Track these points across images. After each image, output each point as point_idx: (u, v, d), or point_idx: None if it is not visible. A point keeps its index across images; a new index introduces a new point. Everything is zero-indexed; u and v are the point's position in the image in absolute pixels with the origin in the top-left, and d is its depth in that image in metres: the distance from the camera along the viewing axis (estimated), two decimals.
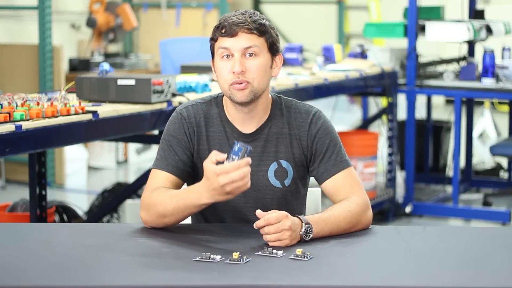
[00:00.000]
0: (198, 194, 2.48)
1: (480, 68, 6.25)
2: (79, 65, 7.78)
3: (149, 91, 4.05)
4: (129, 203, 5.31)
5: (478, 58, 6.83)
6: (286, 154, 2.71)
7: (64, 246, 2.45)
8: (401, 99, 6.46)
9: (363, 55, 6.35)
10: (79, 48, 8.54)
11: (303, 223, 2.47)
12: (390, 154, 6.28)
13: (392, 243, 2.53)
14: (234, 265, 2.27)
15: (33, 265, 2.27)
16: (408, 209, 6.25)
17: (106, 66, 4.22)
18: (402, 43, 6.52)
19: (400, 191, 6.32)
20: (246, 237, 2.51)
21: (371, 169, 6.07)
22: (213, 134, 2.72)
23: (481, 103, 9.87)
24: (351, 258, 2.38)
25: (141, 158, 8.13)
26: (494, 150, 6.43)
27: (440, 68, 6.75)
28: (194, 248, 2.41)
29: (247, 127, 2.72)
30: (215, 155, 2.41)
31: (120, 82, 4.08)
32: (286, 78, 5.36)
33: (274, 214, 2.44)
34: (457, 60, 6.86)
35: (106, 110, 3.93)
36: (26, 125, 3.54)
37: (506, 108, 8.79)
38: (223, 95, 2.75)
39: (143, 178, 4.90)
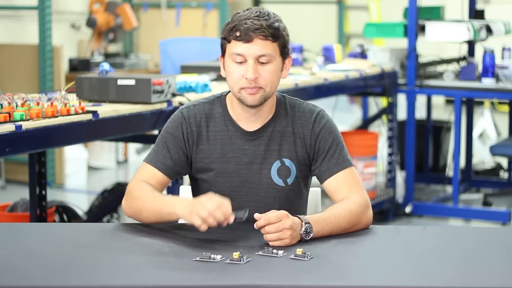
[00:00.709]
0: (174, 203, 2.52)
1: (480, 68, 6.25)
2: (79, 65, 7.78)
3: (149, 91, 4.05)
4: None
5: (478, 58, 6.83)
6: (289, 153, 2.72)
7: (64, 246, 2.45)
8: (401, 99, 6.46)
9: (363, 55, 6.35)
10: (79, 48, 8.54)
11: (303, 223, 2.48)
12: (390, 154, 6.28)
13: (392, 243, 2.53)
14: (234, 265, 2.27)
15: (33, 265, 2.27)
16: (408, 209, 6.25)
17: (106, 66, 4.22)
18: (402, 43, 6.52)
19: (400, 191, 6.32)
20: (246, 237, 2.51)
21: (371, 169, 6.07)
22: (214, 134, 2.73)
23: (481, 103, 9.87)
24: (351, 258, 2.38)
25: (141, 158, 8.12)
26: (494, 150, 6.43)
27: (440, 68, 6.75)
28: (194, 248, 2.41)
29: (252, 125, 2.72)
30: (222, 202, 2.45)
31: (120, 82, 4.08)
32: (286, 78, 5.35)
33: (274, 213, 2.44)
34: (457, 60, 6.86)
35: (106, 110, 3.93)
36: (26, 125, 3.54)
37: (506, 108, 8.79)
38: (226, 94, 2.75)
39: None
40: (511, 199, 6.70)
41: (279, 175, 2.71)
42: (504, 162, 7.27)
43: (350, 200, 2.63)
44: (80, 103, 3.86)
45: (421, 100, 6.71)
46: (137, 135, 4.60)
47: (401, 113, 6.51)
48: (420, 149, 6.83)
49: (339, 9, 10.30)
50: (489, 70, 6.01)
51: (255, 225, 2.44)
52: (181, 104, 4.08)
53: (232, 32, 2.62)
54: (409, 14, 6.19)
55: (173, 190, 4.33)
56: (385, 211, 6.21)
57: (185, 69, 5.09)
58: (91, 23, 8.01)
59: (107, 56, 8.23)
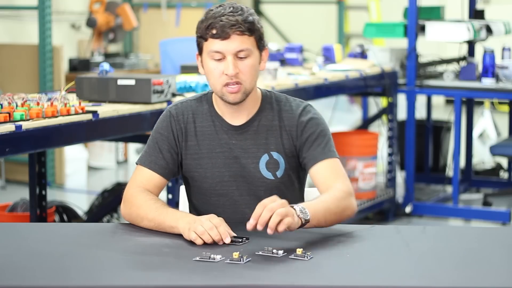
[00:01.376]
0: (177, 218, 2.54)
1: (480, 68, 6.25)
2: (79, 65, 7.78)
3: (149, 91, 4.05)
4: None
5: (478, 58, 6.83)
6: (276, 146, 2.73)
7: (64, 246, 2.45)
8: (401, 99, 6.46)
9: (363, 55, 6.35)
10: (79, 48, 8.54)
11: (294, 207, 2.45)
12: (390, 154, 6.28)
13: (392, 243, 2.53)
14: (234, 265, 2.27)
15: (33, 265, 2.27)
16: (408, 209, 6.25)
17: (106, 66, 4.22)
18: (402, 43, 6.52)
19: (400, 191, 6.32)
20: (246, 236, 2.50)
21: (371, 169, 6.07)
22: (202, 129, 2.75)
23: (481, 103, 9.87)
24: (351, 258, 2.38)
25: None
26: (494, 150, 6.43)
27: (440, 68, 6.75)
28: (194, 248, 2.41)
29: (237, 119, 2.74)
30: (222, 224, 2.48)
31: (120, 82, 4.08)
32: (286, 78, 5.36)
33: (258, 205, 2.41)
34: (457, 60, 6.86)
35: (106, 110, 3.94)
36: (26, 125, 3.54)
37: (506, 108, 8.79)
38: (213, 91, 2.77)
39: None
40: (511, 199, 6.70)
41: (268, 169, 2.72)
42: (504, 162, 7.27)
43: (334, 188, 2.63)
44: (80, 103, 3.86)
45: (421, 100, 6.71)
46: (137, 135, 4.60)
47: (401, 113, 6.51)
48: (420, 149, 6.83)
49: (339, 9, 10.30)
50: (489, 70, 6.01)
51: (247, 228, 2.42)
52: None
53: (208, 30, 2.63)
54: (409, 14, 6.19)
55: (173, 190, 4.33)
56: (385, 211, 6.21)
57: (185, 69, 5.09)
58: (91, 23, 8.01)
59: (107, 56, 8.23)
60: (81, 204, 5.89)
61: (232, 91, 2.65)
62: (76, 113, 3.78)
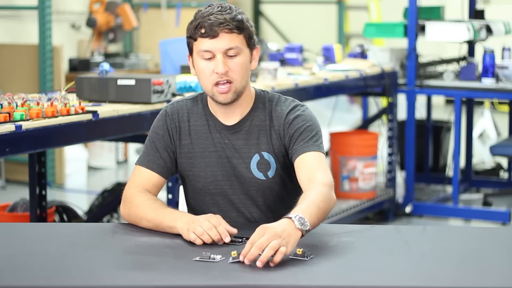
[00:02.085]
0: (175, 218, 2.54)
1: (480, 68, 6.25)
2: (79, 65, 7.78)
3: (149, 91, 4.05)
4: None
5: (478, 58, 6.83)
6: (267, 146, 2.73)
7: (64, 246, 2.45)
8: (401, 99, 6.46)
9: (363, 55, 6.35)
10: (79, 48, 8.54)
11: (292, 218, 2.37)
12: (390, 154, 6.28)
13: (392, 243, 2.53)
14: (234, 265, 2.27)
15: (33, 265, 2.27)
16: (408, 209, 6.25)
17: (106, 66, 4.22)
18: (402, 43, 6.52)
19: (400, 191, 6.32)
20: (246, 236, 2.50)
21: (371, 169, 6.07)
22: (195, 128, 2.76)
23: (481, 103, 9.87)
24: (351, 258, 2.37)
25: None
26: (494, 150, 6.43)
27: (440, 68, 6.75)
28: (194, 248, 2.41)
29: (230, 119, 2.75)
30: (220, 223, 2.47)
31: (120, 82, 4.08)
32: (286, 78, 5.36)
33: (250, 239, 2.31)
34: (457, 60, 6.86)
35: (106, 110, 3.94)
36: (26, 125, 3.54)
37: (506, 108, 8.79)
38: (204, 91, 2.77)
39: None
40: (511, 199, 6.70)
41: (259, 169, 2.72)
42: (504, 162, 7.27)
43: (315, 183, 2.58)
44: (80, 103, 3.86)
45: (421, 100, 6.71)
46: (137, 135, 4.60)
47: (401, 113, 6.51)
48: (420, 149, 6.83)
49: (339, 9, 10.30)
50: (489, 70, 6.01)
51: (245, 261, 2.28)
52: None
53: (197, 29, 2.65)
54: (409, 14, 6.19)
55: (173, 190, 4.33)
56: (385, 211, 6.21)
57: (185, 69, 5.09)
58: (91, 23, 8.01)
59: (107, 56, 8.23)
60: (81, 204, 5.89)
61: (222, 91, 2.65)
62: (76, 113, 3.78)
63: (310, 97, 5.35)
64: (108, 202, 5.26)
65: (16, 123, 3.52)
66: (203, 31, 2.63)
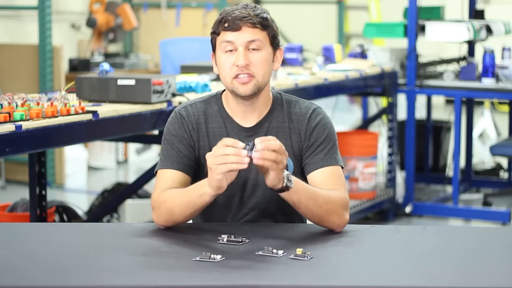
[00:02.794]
0: (202, 182, 2.52)
1: (480, 68, 6.25)
2: (79, 65, 7.78)
3: (149, 91, 4.05)
4: (129, 203, 5.31)
5: (478, 58, 6.83)
6: (286, 148, 2.71)
7: (64, 246, 2.45)
8: (401, 99, 6.46)
9: (363, 55, 6.35)
10: (79, 48, 8.54)
11: (285, 170, 2.47)
12: (390, 154, 6.28)
13: (392, 243, 2.53)
14: (234, 265, 2.27)
15: (33, 265, 2.27)
16: (408, 209, 6.25)
17: (106, 66, 4.22)
18: (402, 43, 6.52)
19: (400, 191, 6.32)
20: (246, 236, 2.50)
21: (371, 169, 6.07)
22: (213, 130, 2.73)
23: (481, 103, 9.87)
24: (351, 258, 2.38)
25: (141, 158, 8.13)
26: (494, 150, 6.43)
27: (440, 68, 6.75)
28: (194, 248, 2.41)
29: (248, 121, 2.73)
30: (225, 140, 2.43)
31: (120, 82, 4.08)
32: (286, 78, 5.36)
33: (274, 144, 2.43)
34: (457, 60, 6.86)
35: (106, 110, 3.93)
36: (26, 125, 3.54)
37: (506, 108, 8.79)
38: (222, 92, 2.76)
39: (143, 178, 4.90)
40: (511, 199, 6.70)
41: None
42: (504, 162, 7.27)
43: (332, 191, 2.62)
44: (80, 103, 3.86)
45: (421, 100, 6.71)
46: (137, 135, 4.61)
47: (401, 113, 6.51)
48: (420, 149, 6.83)
49: (339, 9, 10.30)
50: (489, 70, 6.01)
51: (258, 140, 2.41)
52: (180, 103, 4.08)
53: (221, 24, 2.65)
54: (409, 14, 6.19)
55: None
56: (385, 211, 6.21)
57: (185, 69, 5.09)
58: (91, 23, 8.01)
59: (107, 56, 8.23)
60: (81, 204, 5.88)
61: (243, 82, 2.64)
62: (76, 113, 3.78)
63: (310, 97, 5.35)
64: (108, 202, 5.26)
65: (16, 123, 3.52)
66: (226, 25, 2.64)
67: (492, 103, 10.33)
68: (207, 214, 2.74)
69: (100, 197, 5.53)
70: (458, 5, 6.79)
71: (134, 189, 5.11)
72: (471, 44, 6.90)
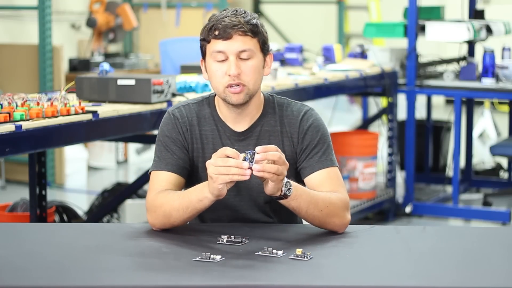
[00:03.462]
0: (201, 187, 2.52)
1: (480, 68, 6.25)
2: (79, 65, 7.78)
3: (149, 91, 4.05)
4: (129, 203, 5.31)
5: (478, 58, 6.83)
6: None
7: (64, 246, 2.45)
8: (401, 99, 6.46)
9: (363, 55, 6.35)
10: (79, 48, 8.54)
11: (285, 178, 2.47)
12: (390, 154, 6.28)
13: (392, 243, 2.53)
14: (234, 265, 2.27)
15: (33, 265, 2.27)
16: (408, 209, 6.25)
17: (106, 66, 4.22)
18: (402, 43, 6.52)
19: (400, 191, 6.32)
20: (246, 237, 2.50)
21: (371, 169, 6.07)
22: (206, 133, 2.73)
23: (481, 103, 9.87)
24: (351, 258, 2.38)
25: (141, 158, 8.13)
26: (494, 150, 6.43)
27: (440, 68, 6.75)
28: (194, 248, 2.41)
29: (240, 125, 2.73)
30: (225, 149, 2.43)
31: (120, 82, 4.08)
32: (286, 78, 5.36)
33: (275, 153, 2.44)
34: (457, 60, 6.86)
35: (106, 110, 3.93)
36: (26, 125, 3.54)
37: (506, 108, 8.79)
38: (215, 95, 2.76)
39: (143, 178, 4.90)
40: (511, 199, 6.70)
41: None
42: (504, 162, 7.27)
43: (332, 193, 2.62)
44: (80, 103, 3.86)
45: (421, 100, 6.71)
46: (137, 135, 4.61)
47: (401, 113, 6.51)
48: (420, 149, 6.83)
49: (339, 9, 10.30)
50: (489, 70, 6.01)
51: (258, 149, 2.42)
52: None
53: (211, 31, 2.64)
54: (409, 14, 6.19)
55: None
56: (385, 211, 6.21)
57: (185, 69, 5.09)
58: (91, 23, 8.01)
59: (107, 56, 8.23)
60: (81, 204, 5.88)
61: (235, 92, 2.64)
62: (76, 113, 3.78)
63: (310, 97, 5.35)
64: (108, 202, 5.26)
65: (16, 123, 3.52)
66: (216, 33, 2.62)
67: (492, 103, 10.33)
68: (204, 215, 2.74)
69: (100, 197, 5.53)
70: (458, 5, 6.79)
71: (134, 189, 5.11)
72: (471, 44, 6.90)
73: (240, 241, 2.45)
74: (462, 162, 6.97)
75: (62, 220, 5.09)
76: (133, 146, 8.07)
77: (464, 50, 6.93)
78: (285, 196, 2.49)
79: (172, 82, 4.19)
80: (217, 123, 2.73)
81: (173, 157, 2.69)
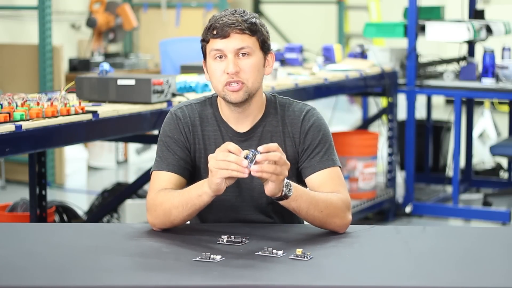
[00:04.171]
0: (201, 182, 2.52)
1: (480, 68, 6.24)
2: (79, 65, 7.78)
3: (149, 91, 4.05)
4: (129, 203, 5.31)
5: (478, 58, 6.83)
6: None
7: (64, 246, 2.45)
8: (401, 99, 6.46)
9: (363, 55, 6.35)
10: (79, 48, 8.54)
11: (285, 178, 2.48)
12: (390, 154, 6.28)
13: (392, 243, 2.53)
14: (234, 265, 2.27)
15: (33, 265, 2.27)
16: (408, 209, 6.25)
17: (106, 66, 4.22)
18: (402, 43, 6.52)
19: (400, 191, 6.32)
20: (246, 237, 2.50)
21: (371, 169, 6.07)
22: (208, 134, 2.73)
23: (481, 103, 9.87)
24: (351, 258, 2.38)
25: (141, 158, 8.13)
26: (494, 150, 6.43)
27: (440, 68, 6.75)
28: (194, 248, 2.41)
29: (242, 126, 2.72)
30: (228, 144, 2.43)
31: (120, 82, 4.08)
32: (286, 78, 5.36)
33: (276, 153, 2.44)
34: (457, 60, 6.86)
35: (106, 110, 3.94)
36: (26, 125, 3.54)
37: (506, 108, 8.79)
38: (217, 95, 2.76)
39: (143, 178, 4.90)
40: (511, 199, 6.70)
41: None
42: (504, 162, 7.27)
43: (332, 193, 2.62)
44: (80, 103, 3.86)
45: (421, 100, 6.71)
46: (137, 135, 4.61)
47: (401, 113, 6.51)
48: (420, 149, 6.83)
49: (339, 9, 10.30)
50: (489, 70, 6.01)
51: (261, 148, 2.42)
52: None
53: (210, 31, 2.65)
54: (409, 14, 6.19)
55: None
56: (385, 211, 6.21)
57: (185, 69, 5.09)
58: (91, 23, 8.01)
59: (107, 56, 8.23)
60: (81, 204, 5.88)
61: (233, 89, 2.64)
62: (76, 113, 3.78)
63: (310, 97, 5.35)
64: (108, 202, 5.26)
65: (16, 123, 3.52)
66: (214, 32, 2.63)
67: (492, 103, 10.33)
68: (204, 214, 2.74)
69: (100, 197, 5.53)
70: (458, 5, 6.79)
71: (134, 189, 5.11)
72: (471, 44, 6.90)
73: (240, 241, 2.45)
74: (462, 162, 6.97)
75: (62, 220, 5.09)
76: (133, 146, 8.07)
77: (464, 50, 6.93)
78: (285, 197, 2.49)
79: (172, 82, 4.19)
80: (220, 123, 2.73)
81: (174, 158, 2.69)
